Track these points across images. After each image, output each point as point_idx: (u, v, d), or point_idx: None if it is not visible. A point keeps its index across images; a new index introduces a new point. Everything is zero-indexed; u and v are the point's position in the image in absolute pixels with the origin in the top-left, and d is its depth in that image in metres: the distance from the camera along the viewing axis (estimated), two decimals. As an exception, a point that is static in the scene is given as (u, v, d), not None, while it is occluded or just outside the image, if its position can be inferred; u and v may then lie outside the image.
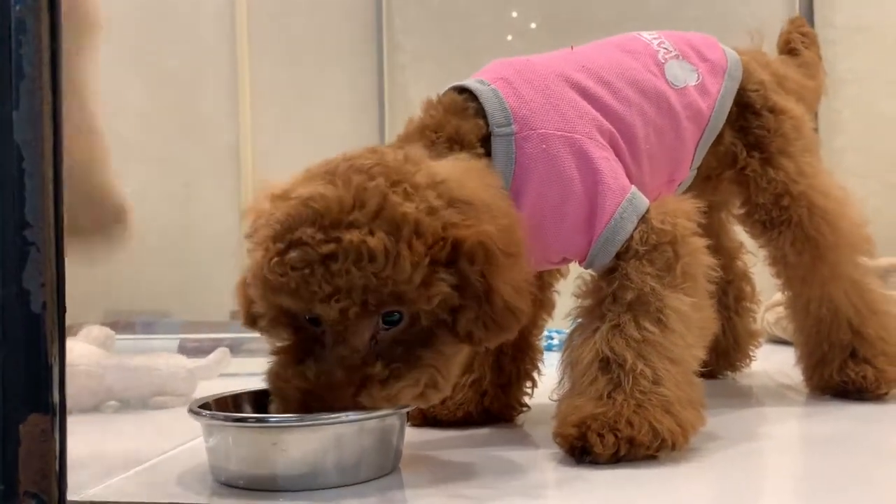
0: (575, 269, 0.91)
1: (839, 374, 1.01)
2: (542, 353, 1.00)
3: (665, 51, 0.97)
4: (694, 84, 0.96)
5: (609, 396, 0.76)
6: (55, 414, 0.49)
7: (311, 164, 0.73)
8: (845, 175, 1.91)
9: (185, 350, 1.36)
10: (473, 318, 0.69)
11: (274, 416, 0.69)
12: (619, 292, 0.80)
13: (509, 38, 2.03)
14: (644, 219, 0.82)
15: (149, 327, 1.76)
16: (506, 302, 0.69)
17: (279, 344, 0.73)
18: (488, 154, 0.82)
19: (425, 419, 0.93)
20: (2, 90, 0.47)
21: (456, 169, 0.73)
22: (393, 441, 0.73)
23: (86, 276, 1.92)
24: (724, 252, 1.19)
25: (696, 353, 0.82)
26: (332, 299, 0.65)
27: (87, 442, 0.95)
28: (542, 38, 2.03)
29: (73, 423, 1.02)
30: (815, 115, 1.85)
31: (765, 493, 0.73)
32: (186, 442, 0.84)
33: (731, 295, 1.23)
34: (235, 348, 1.55)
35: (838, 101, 1.87)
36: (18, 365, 0.47)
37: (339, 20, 2.05)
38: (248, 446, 0.69)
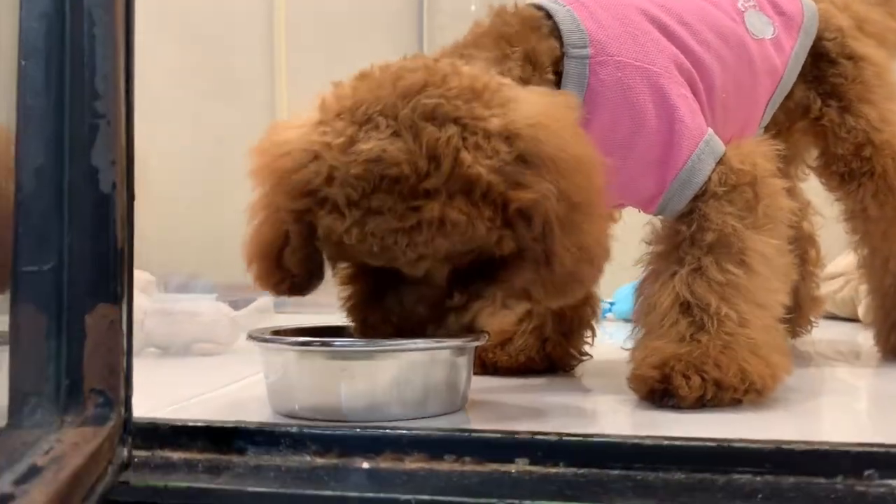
0: (640, 216, 0.86)
1: None
2: (601, 302, 0.95)
3: None
4: (770, 38, 0.91)
5: (692, 338, 0.72)
6: (124, 304, 0.44)
7: (341, 87, 0.65)
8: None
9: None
10: (531, 279, 0.65)
11: (340, 340, 0.64)
12: (698, 234, 0.75)
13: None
14: (721, 160, 0.77)
15: (182, 288, 1.73)
16: (567, 268, 0.64)
17: (350, 286, 0.69)
18: (558, 78, 0.76)
19: (484, 367, 0.88)
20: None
21: (534, 110, 0.65)
22: (462, 378, 0.69)
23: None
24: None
25: (781, 299, 0.77)
26: (417, 263, 0.63)
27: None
28: None
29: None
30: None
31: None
32: (235, 381, 0.80)
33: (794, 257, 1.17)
34: (275, 307, 1.52)
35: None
36: (85, 250, 0.42)
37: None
38: (314, 374, 0.64)
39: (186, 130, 1.91)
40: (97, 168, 0.42)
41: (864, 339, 1.27)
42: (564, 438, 0.48)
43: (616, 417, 0.71)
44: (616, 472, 0.48)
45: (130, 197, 0.45)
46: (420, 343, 0.64)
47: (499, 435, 0.50)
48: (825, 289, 1.53)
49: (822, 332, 1.24)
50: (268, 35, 1.96)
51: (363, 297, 0.68)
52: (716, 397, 0.69)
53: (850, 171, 0.95)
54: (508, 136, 0.62)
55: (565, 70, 0.76)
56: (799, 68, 0.94)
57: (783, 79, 0.92)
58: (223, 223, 1.92)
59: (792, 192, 1.15)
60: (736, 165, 0.77)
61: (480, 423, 0.66)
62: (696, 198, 0.76)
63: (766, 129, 0.96)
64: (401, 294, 0.66)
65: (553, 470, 0.48)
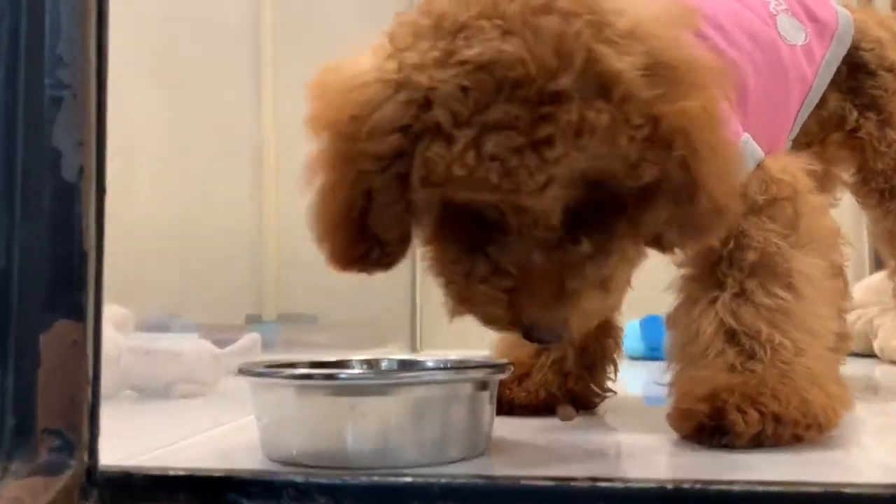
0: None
1: None
2: (623, 333, 0.87)
3: (776, 2, 0.86)
4: (801, 44, 0.86)
5: (743, 367, 0.63)
6: (90, 320, 0.35)
7: (406, 16, 0.54)
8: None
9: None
10: (669, 217, 0.55)
11: (346, 372, 0.55)
12: (738, 253, 0.67)
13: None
14: (761, 166, 0.70)
15: (159, 328, 1.64)
16: (713, 199, 0.55)
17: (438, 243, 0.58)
18: None
19: (500, 404, 0.79)
20: None
21: (660, 16, 0.56)
22: (485, 415, 0.60)
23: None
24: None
25: (831, 326, 0.70)
26: (544, 189, 0.51)
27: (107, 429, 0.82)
28: None
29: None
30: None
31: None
32: (219, 426, 0.71)
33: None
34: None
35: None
36: (42, 251, 0.33)
37: (370, 10, 1.95)
38: (317, 413, 0.55)
39: (167, 158, 1.83)
40: (59, 151, 0.33)
41: (882, 374, 1.20)
42: (630, 485, 0.39)
43: (660, 459, 0.62)
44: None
45: (101, 189, 0.36)
46: (439, 375, 0.56)
47: (551, 483, 0.41)
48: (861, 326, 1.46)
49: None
50: (254, 62, 1.90)
51: (459, 251, 0.56)
52: (775, 434, 0.60)
53: (891, 187, 0.90)
54: (643, 38, 0.53)
55: None
56: (830, 77, 0.88)
57: (812, 88, 0.86)
58: (204, 260, 1.84)
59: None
60: (776, 174, 0.70)
61: (507, 469, 0.57)
62: None
63: (796, 141, 0.90)
64: (507, 245, 0.55)
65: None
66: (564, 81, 0.50)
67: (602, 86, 0.51)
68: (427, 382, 0.55)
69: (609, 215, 0.56)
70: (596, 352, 0.83)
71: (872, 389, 1.05)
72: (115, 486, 0.41)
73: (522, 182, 0.51)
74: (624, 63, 0.51)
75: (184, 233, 1.86)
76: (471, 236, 0.56)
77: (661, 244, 0.58)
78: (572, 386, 0.81)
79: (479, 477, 0.45)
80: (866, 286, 1.45)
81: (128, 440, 0.65)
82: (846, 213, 1.15)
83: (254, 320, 1.83)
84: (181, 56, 1.89)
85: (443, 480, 0.42)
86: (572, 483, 0.40)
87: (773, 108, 0.83)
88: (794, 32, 0.85)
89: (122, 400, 0.95)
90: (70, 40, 0.33)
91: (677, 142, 0.53)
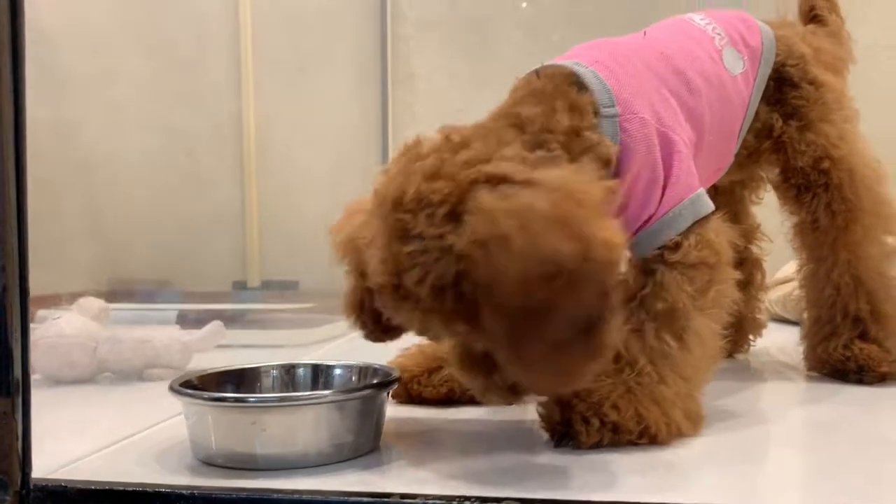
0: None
1: (844, 349, 1.01)
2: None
3: (719, 37, 0.97)
4: (741, 72, 0.97)
5: (604, 378, 0.75)
6: (17, 395, 0.48)
7: None
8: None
9: (184, 320, 1.35)
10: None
11: (253, 396, 0.69)
12: (651, 300, 0.78)
13: (524, 4, 1.99)
14: (701, 225, 0.80)
15: (149, 296, 1.76)
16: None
17: None
18: None
19: (410, 397, 0.92)
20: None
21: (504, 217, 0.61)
22: (373, 421, 0.73)
23: (90, 245, 1.93)
24: (743, 231, 1.18)
25: (705, 378, 0.81)
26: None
27: (75, 414, 0.96)
28: (552, 4, 2.00)
29: (66, 394, 1.03)
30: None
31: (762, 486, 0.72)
32: (173, 416, 0.84)
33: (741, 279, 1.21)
34: (237, 319, 1.56)
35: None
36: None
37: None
38: (228, 425, 0.69)
39: (154, 136, 1.94)
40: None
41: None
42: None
43: (528, 458, 0.75)
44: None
45: (24, 295, 0.48)
46: (329, 395, 0.69)
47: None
48: (777, 293, 1.57)
49: (774, 336, 1.29)
50: (234, 42, 1.98)
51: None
52: (613, 440, 0.73)
53: (807, 182, 1.01)
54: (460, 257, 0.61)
55: (599, 129, 0.78)
56: (761, 94, 1.00)
57: (749, 106, 0.98)
58: (192, 232, 1.97)
59: (744, 213, 1.20)
60: (711, 237, 0.80)
61: (391, 468, 0.71)
62: (664, 256, 0.79)
63: (740, 155, 1.02)
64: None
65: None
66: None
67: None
68: (317, 403, 0.68)
69: None
70: None
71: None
72: (54, 499, 0.54)
73: None
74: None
75: (172, 205, 1.98)
76: None
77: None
78: None
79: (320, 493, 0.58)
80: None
81: (89, 433, 0.79)
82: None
83: (240, 286, 1.97)
84: (167, 38, 1.98)
85: (304, 498, 0.55)
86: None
87: (725, 138, 0.95)
88: (735, 63, 0.96)
89: (100, 381, 1.09)
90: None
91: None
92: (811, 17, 1.15)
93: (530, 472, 0.69)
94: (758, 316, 1.24)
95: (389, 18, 1.95)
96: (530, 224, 0.59)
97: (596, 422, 0.73)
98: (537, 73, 0.81)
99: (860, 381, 1.00)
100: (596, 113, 0.78)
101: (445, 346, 0.78)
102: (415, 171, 0.65)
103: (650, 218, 0.80)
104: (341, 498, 0.57)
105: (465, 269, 0.61)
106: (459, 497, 0.55)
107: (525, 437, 0.79)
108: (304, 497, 0.56)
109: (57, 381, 1.07)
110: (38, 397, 0.97)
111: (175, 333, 1.13)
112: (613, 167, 0.77)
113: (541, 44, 1.93)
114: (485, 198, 0.62)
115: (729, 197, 1.15)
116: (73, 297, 1.26)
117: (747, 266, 1.20)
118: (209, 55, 2.01)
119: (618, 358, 0.76)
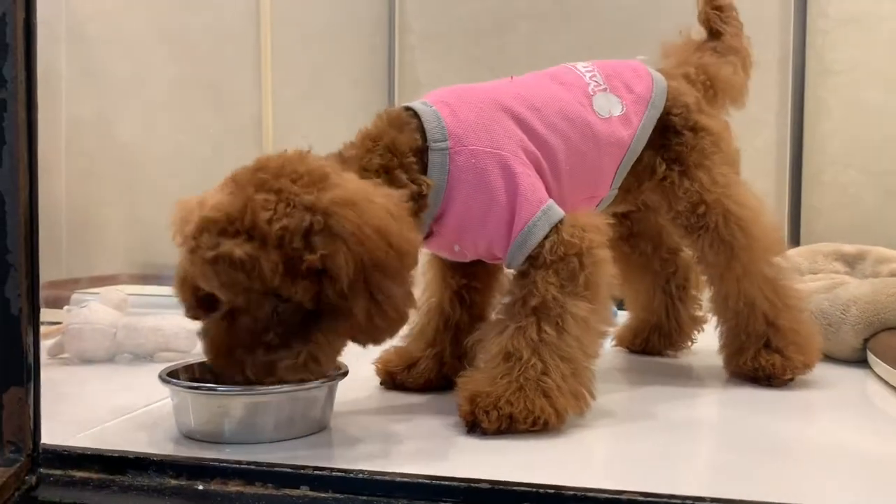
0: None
1: (753, 361, 1.14)
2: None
3: (595, 84, 1.09)
4: (618, 115, 1.09)
5: (501, 379, 0.91)
6: (29, 382, 0.67)
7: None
8: (828, 162, 1.98)
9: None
10: (347, 327, 0.83)
11: (221, 387, 0.87)
12: (527, 298, 0.94)
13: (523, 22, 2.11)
14: (556, 229, 0.95)
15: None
16: (366, 321, 0.82)
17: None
18: (423, 165, 0.95)
19: (395, 384, 1.09)
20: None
21: (347, 193, 0.82)
22: (319, 406, 0.91)
23: (127, 232, 2.12)
24: (668, 246, 1.33)
25: (590, 351, 0.95)
26: (225, 292, 0.81)
27: (95, 388, 1.16)
28: (552, 16, 2.12)
29: (88, 371, 1.23)
30: (801, 102, 1.93)
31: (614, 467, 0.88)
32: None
33: (674, 284, 1.35)
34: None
35: (825, 90, 1.92)
36: (1, 352, 0.65)
37: (355, 4, 2.17)
38: (201, 408, 0.87)
39: (184, 135, 2.12)
40: (8, 299, 0.66)
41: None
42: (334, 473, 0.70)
43: (443, 441, 0.91)
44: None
45: (35, 315, 0.68)
46: (285, 388, 0.86)
47: (287, 470, 0.72)
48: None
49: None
50: (255, 53, 2.15)
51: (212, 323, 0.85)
52: (510, 428, 0.89)
53: (689, 224, 1.14)
54: (312, 209, 0.79)
55: (430, 161, 0.95)
56: (647, 138, 1.11)
57: (630, 147, 1.10)
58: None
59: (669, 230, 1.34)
60: (566, 237, 0.94)
61: (334, 446, 0.88)
62: (532, 261, 0.94)
63: (623, 189, 1.15)
64: (231, 321, 0.83)
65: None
66: (234, 227, 0.79)
67: (260, 236, 0.79)
68: (274, 392, 0.86)
69: (309, 320, 0.83)
70: (468, 344, 1.07)
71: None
72: (60, 459, 0.73)
73: (212, 285, 0.82)
74: (277, 224, 0.79)
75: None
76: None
77: (358, 341, 0.86)
78: (447, 371, 1.09)
79: (246, 462, 0.76)
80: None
81: (98, 406, 0.99)
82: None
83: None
84: (196, 47, 2.14)
85: (231, 465, 0.74)
86: (301, 470, 0.71)
87: (587, 169, 1.08)
88: (609, 107, 1.09)
89: (119, 360, 1.29)
90: (13, 241, 0.63)
91: (336, 279, 0.79)
92: (709, 30, 1.25)
93: (440, 452, 0.86)
94: (697, 314, 1.37)
95: (397, 30, 2.10)
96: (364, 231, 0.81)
97: (495, 413, 0.89)
98: (381, 114, 0.97)
99: (770, 386, 1.13)
100: (420, 150, 0.94)
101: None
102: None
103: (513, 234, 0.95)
104: (292, 471, 0.73)
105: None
106: (381, 472, 0.72)
107: (450, 424, 0.96)
108: (263, 469, 0.74)
109: (83, 361, 1.28)
110: (65, 373, 1.20)
111: (183, 322, 1.32)
112: (433, 195, 0.94)
113: (540, 54, 2.06)
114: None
115: (655, 214, 1.28)
116: (94, 281, 1.47)
117: (680, 271, 1.34)
118: (233, 64, 2.17)
119: (508, 355, 0.91)
